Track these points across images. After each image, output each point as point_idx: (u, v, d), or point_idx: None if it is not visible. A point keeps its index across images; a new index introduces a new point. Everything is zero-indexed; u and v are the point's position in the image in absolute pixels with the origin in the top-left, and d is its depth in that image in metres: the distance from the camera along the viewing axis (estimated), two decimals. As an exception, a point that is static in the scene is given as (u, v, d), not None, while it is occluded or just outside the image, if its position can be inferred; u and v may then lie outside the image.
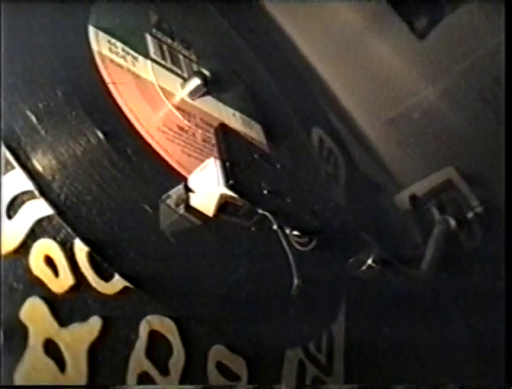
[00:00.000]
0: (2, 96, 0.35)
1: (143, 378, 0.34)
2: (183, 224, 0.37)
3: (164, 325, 0.36)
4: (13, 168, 0.34)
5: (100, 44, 0.43)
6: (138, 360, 0.35)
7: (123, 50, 0.45)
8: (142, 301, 0.36)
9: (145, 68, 0.46)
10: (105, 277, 0.35)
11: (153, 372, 0.35)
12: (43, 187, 0.35)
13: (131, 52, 0.45)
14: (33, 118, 0.36)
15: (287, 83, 0.65)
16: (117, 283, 0.35)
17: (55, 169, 0.36)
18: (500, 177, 0.51)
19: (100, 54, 0.42)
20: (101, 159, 0.37)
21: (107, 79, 0.41)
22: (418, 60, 0.68)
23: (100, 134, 0.37)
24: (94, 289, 0.34)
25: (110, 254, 0.36)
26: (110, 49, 0.44)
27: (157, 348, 0.36)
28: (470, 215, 0.62)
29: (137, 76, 0.44)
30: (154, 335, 0.36)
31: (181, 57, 0.50)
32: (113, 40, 0.45)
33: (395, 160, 0.70)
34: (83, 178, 0.36)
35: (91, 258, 0.35)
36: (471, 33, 0.66)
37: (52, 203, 0.35)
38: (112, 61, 0.43)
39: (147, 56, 0.47)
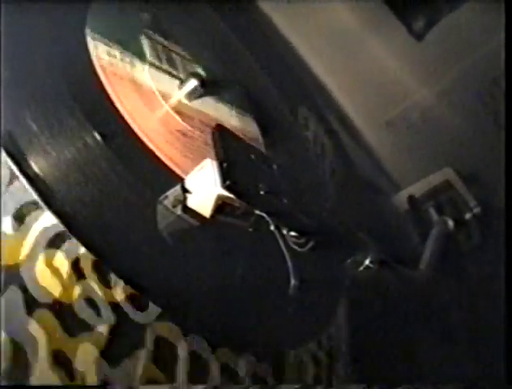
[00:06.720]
0: (2, 101, 0.36)
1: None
2: (180, 225, 0.37)
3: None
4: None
5: (98, 47, 0.43)
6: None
7: (120, 53, 0.45)
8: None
9: (142, 71, 0.46)
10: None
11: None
12: (42, 192, 0.35)
13: (128, 54, 0.46)
14: (32, 123, 0.36)
15: (284, 84, 0.65)
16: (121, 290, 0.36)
17: (54, 173, 0.36)
18: (497, 177, 0.51)
19: (98, 58, 0.42)
20: (100, 161, 0.37)
21: (105, 83, 0.41)
22: (416, 61, 0.69)
23: (99, 137, 0.38)
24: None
25: (108, 256, 0.36)
26: (108, 53, 0.44)
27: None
28: (468, 215, 0.62)
29: (134, 79, 0.44)
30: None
31: (177, 57, 0.50)
32: (111, 44, 0.45)
33: (393, 161, 0.70)
34: (82, 181, 0.36)
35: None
36: (469, 34, 0.66)
37: (51, 207, 0.35)
38: (110, 64, 0.43)
39: (143, 58, 0.47)
